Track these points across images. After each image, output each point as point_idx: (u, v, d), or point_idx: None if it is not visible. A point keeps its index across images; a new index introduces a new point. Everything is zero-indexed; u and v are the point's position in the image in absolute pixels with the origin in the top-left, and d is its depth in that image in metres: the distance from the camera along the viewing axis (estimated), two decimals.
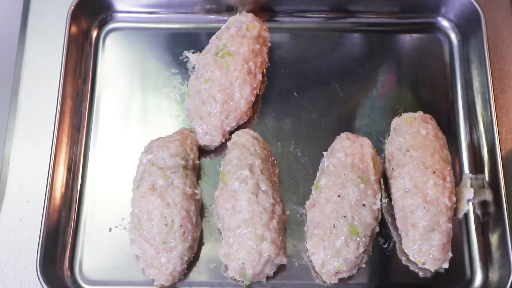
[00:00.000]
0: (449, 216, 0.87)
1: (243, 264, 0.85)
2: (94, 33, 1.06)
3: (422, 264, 0.87)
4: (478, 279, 0.91)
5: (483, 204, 0.94)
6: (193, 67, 1.03)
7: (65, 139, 0.96)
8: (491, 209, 0.92)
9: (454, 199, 0.89)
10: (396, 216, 0.91)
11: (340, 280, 0.88)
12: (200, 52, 1.01)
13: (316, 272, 0.89)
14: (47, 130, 0.95)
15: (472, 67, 1.02)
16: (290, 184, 0.96)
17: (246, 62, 0.96)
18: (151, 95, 1.02)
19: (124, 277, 0.90)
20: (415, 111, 0.96)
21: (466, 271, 0.91)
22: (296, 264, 0.91)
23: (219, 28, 1.02)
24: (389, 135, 0.98)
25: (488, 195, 0.93)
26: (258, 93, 0.99)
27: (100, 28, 1.06)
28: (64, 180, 0.94)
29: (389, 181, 0.93)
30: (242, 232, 0.85)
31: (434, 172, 0.87)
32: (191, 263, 0.90)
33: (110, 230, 0.93)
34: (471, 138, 0.99)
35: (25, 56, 1.02)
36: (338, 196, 0.87)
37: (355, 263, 0.86)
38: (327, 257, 0.86)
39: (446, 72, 1.04)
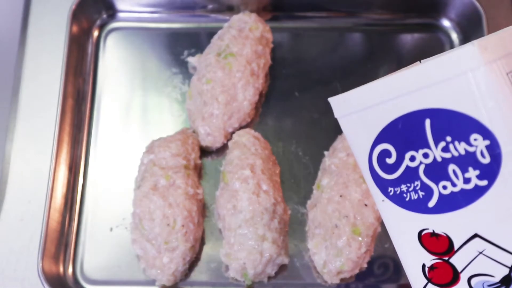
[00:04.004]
0: None
1: (244, 264, 0.85)
2: (95, 33, 1.06)
3: None
4: None
5: None
6: (193, 67, 1.02)
7: (66, 139, 0.96)
8: None
9: None
10: None
11: (342, 280, 0.88)
12: (201, 52, 1.01)
13: (318, 272, 0.89)
14: (48, 130, 0.95)
15: None
16: (292, 184, 0.96)
17: (249, 64, 0.95)
18: (152, 95, 1.02)
19: (125, 277, 0.90)
20: None
21: None
22: (297, 264, 0.91)
23: (220, 28, 1.01)
24: None
25: None
26: (261, 93, 0.99)
27: (101, 27, 1.06)
28: (65, 179, 0.94)
29: None
30: (243, 232, 0.85)
31: None
32: (192, 263, 0.90)
33: (111, 229, 0.93)
34: None
35: (25, 55, 1.02)
36: (340, 196, 0.87)
37: (357, 263, 0.86)
38: (329, 257, 0.86)
39: None
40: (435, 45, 1.06)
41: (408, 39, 1.07)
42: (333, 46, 1.06)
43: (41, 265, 0.86)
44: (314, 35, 1.07)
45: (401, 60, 1.05)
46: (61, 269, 0.90)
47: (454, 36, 1.06)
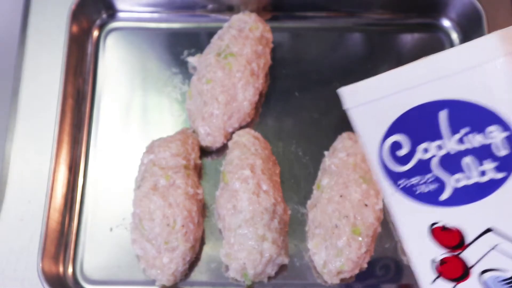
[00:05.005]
0: None
1: (244, 264, 0.85)
2: (95, 33, 1.06)
3: None
4: None
5: None
6: (193, 67, 1.02)
7: (66, 139, 0.96)
8: None
9: None
10: None
11: (342, 280, 0.88)
12: (201, 52, 1.01)
13: (318, 272, 0.89)
14: (48, 130, 0.95)
15: None
16: (292, 184, 0.96)
17: (249, 64, 0.95)
18: (152, 95, 1.02)
19: (125, 277, 0.90)
20: None
21: None
22: (297, 264, 0.91)
23: (220, 28, 1.01)
24: None
25: None
26: (261, 93, 0.99)
27: (101, 27, 1.07)
28: (65, 179, 0.94)
29: None
30: (243, 232, 0.85)
31: None
32: (192, 263, 0.90)
33: (111, 229, 0.93)
34: None
35: (25, 55, 1.02)
36: (340, 196, 0.87)
37: (357, 263, 0.86)
38: (329, 257, 0.86)
39: None
40: (435, 45, 1.06)
41: (408, 39, 1.07)
42: (333, 46, 1.06)
43: (41, 265, 0.86)
44: (314, 35, 1.07)
45: (401, 60, 1.05)
46: (61, 269, 0.90)
47: (454, 36, 1.06)
